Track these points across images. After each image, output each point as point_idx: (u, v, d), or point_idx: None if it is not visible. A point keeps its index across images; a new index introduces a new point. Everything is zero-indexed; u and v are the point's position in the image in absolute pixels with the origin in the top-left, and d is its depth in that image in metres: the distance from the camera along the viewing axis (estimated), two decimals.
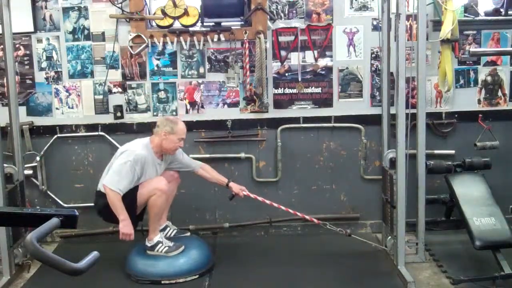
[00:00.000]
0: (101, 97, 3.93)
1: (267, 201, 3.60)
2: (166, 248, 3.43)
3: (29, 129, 3.90)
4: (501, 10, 3.85)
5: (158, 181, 3.33)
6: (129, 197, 3.27)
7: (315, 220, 3.58)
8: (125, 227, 3.22)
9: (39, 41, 3.88)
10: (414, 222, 3.48)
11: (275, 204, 3.60)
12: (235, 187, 3.62)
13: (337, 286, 3.29)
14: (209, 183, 3.79)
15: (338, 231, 3.53)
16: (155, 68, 3.93)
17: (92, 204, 3.64)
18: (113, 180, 3.21)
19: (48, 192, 4.01)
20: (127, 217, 3.23)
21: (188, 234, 3.77)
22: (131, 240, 3.27)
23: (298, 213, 3.60)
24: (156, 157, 3.40)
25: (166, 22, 3.84)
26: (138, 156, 3.25)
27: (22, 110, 3.87)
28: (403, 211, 3.33)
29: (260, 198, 3.61)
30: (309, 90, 3.98)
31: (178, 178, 3.62)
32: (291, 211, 3.59)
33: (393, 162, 3.45)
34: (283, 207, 3.61)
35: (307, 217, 3.60)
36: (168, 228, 3.65)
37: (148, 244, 3.45)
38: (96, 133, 3.95)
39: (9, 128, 3.59)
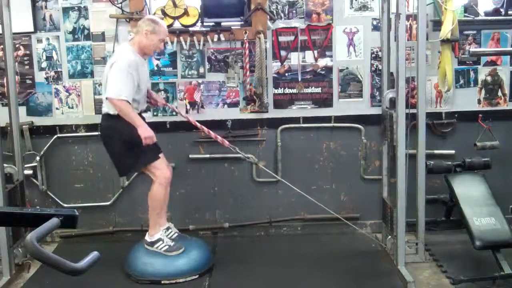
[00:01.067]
0: (101, 97, 3.92)
1: (190, 118, 3.65)
2: (167, 247, 3.42)
3: (29, 129, 3.90)
4: (501, 10, 3.86)
5: (169, 170, 3.40)
6: (151, 152, 3.30)
7: (223, 140, 3.60)
8: (145, 131, 3.21)
9: (39, 41, 3.88)
10: (414, 222, 3.48)
11: (198, 125, 3.59)
12: (154, 95, 3.65)
13: (337, 286, 3.29)
14: (210, 182, 3.81)
15: (246, 157, 3.65)
16: (155, 68, 3.93)
17: (92, 204, 3.67)
18: (116, 90, 3.16)
19: (48, 192, 4.01)
20: (143, 122, 3.23)
21: (189, 238, 3.76)
22: (154, 141, 3.25)
23: (193, 121, 3.61)
24: (141, 57, 3.37)
25: (166, 22, 3.82)
26: (129, 61, 3.21)
27: (22, 110, 3.87)
28: (403, 211, 3.33)
29: (183, 114, 3.69)
30: (309, 90, 3.98)
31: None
32: (212, 133, 3.60)
33: (393, 102, 3.40)
34: (205, 128, 3.61)
35: (219, 137, 3.61)
36: (170, 230, 3.65)
37: (149, 239, 3.45)
38: (96, 133, 3.92)
39: (9, 128, 3.59)
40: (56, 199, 4.02)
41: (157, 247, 3.42)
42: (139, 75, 3.26)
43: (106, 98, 3.22)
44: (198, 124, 3.59)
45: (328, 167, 4.07)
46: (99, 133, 3.48)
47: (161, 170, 3.36)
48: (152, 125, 3.77)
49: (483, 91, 4.02)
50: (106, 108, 3.30)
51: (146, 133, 3.21)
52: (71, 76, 3.92)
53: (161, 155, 3.43)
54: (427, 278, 3.33)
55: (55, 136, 3.95)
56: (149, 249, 3.44)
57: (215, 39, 3.84)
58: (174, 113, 3.94)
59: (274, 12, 3.87)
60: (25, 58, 3.90)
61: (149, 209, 3.41)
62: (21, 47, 3.88)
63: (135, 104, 3.28)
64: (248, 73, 3.87)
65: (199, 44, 3.85)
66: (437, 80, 3.91)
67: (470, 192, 3.54)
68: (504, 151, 3.93)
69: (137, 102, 3.33)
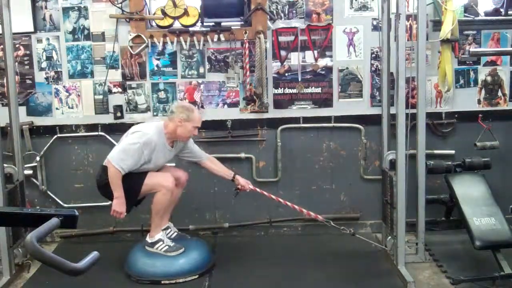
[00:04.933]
0: (101, 97, 3.93)
1: (273, 196, 3.56)
2: (166, 247, 3.42)
3: (29, 129, 3.90)
4: (501, 10, 3.86)
5: (166, 178, 3.33)
6: (135, 182, 3.27)
7: (319, 217, 3.52)
8: (118, 205, 3.23)
9: (39, 41, 3.88)
10: (414, 222, 3.48)
11: (281, 200, 3.56)
12: (241, 180, 3.57)
13: (337, 286, 3.29)
14: (210, 182, 3.80)
15: (341, 229, 3.48)
16: (155, 68, 3.93)
17: (92, 204, 3.67)
18: (118, 158, 3.19)
19: (48, 192, 4.01)
20: (122, 195, 3.23)
21: (189, 237, 3.76)
22: (121, 218, 3.29)
23: (304, 210, 3.52)
24: (167, 143, 3.37)
25: (166, 22, 3.84)
26: (149, 140, 3.23)
27: (22, 110, 3.87)
28: (403, 211, 3.33)
29: (266, 193, 3.57)
30: (309, 90, 3.98)
31: (184, 182, 3.59)
32: (296, 207, 3.54)
33: (393, 164, 3.44)
34: (289, 203, 3.55)
35: (312, 214, 3.52)
36: (170, 229, 3.65)
37: (149, 240, 3.46)
38: (96, 133, 3.95)
39: (9, 128, 3.59)
40: (56, 199, 4.02)
41: (157, 247, 3.42)
42: (151, 156, 3.26)
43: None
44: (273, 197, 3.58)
45: (328, 167, 4.07)
46: (97, 184, 3.40)
47: (156, 183, 3.32)
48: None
49: (483, 91, 4.03)
50: (106, 161, 3.31)
51: (117, 207, 3.23)
52: (71, 76, 3.92)
53: (150, 173, 3.37)
54: (427, 278, 3.33)
55: (55, 136, 3.95)
56: (149, 250, 3.44)
57: (215, 39, 3.84)
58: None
59: (274, 12, 3.87)
60: (25, 58, 3.90)
61: (152, 213, 3.41)
62: (21, 47, 3.88)
63: (145, 167, 3.30)
64: (248, 73, 3.87)
65: (199, 44, 3.85)
66: (437, 80, 3.92)
67: (470, 192, 3.54)
68: (504, 151, 3.94)
69: (147, 168, 3.33)
